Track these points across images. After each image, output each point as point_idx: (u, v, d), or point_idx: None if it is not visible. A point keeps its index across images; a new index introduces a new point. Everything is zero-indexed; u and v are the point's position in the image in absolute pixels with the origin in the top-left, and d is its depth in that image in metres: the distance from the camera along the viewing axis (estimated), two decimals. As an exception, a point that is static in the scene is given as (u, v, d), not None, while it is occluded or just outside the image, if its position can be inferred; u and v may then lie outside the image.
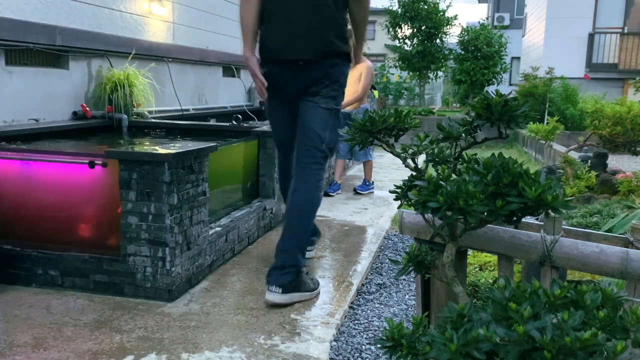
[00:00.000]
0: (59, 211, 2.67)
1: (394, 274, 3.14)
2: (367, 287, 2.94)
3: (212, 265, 2.89)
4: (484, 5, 30.40)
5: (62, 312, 2.35)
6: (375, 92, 8.55)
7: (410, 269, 1.59)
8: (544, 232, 1.58)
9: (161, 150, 2.54)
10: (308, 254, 3.08)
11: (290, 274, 2.52)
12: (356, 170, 5.49)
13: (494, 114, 1.47)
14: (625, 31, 15.18)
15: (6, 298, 2.48)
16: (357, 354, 2.19)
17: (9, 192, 2.70)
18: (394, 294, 2.87)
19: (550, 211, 1.22)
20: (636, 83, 7.53)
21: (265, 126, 4.01)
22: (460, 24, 17.07)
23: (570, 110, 10.96)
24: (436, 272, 1.71)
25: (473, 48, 15.07)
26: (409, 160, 1.55)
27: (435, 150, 1.52)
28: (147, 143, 3.39)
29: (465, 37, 15.19)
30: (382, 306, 2.70)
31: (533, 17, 18.11)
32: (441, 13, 15.49)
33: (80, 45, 3.76)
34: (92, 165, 2.54)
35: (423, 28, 15.47)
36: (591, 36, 15.27)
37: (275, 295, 2.48)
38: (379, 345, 1.21)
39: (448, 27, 15.61)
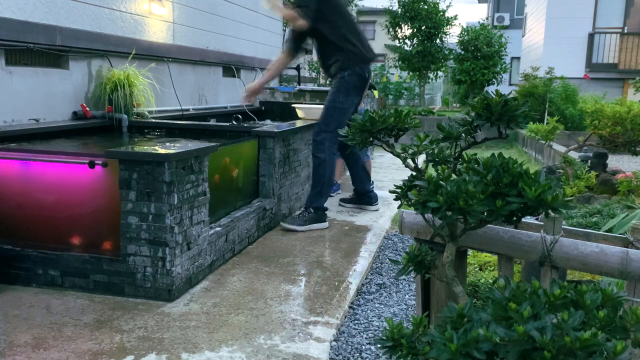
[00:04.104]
0: (59, 211, 2.67)
1: (394, 274, 3.14)
2: (367, 287, 2.94)
3: (212, 265, 2.89)
4: (484, 5, 30.41)
5: (62, 312, 2.36)
6: (375, 92, 8.55)
7: (410, 269, 1.59)
8: (544, 232, 1.58)
9: (161, 150, 2.54)
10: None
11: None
12: (356, 170, 5.53)
13: (494, 114, 1.47)
14: (625, 31, 15.19)
15: (6, 298, 2.48)
16: (357, 354, 2.19)
17: (9, 192, 2.70)
18: (394, 294, 2.87)
19: (550, 211, 1.22)
20: (636, 83, 7.53)
21: (265, 126, 4.01)
22: (460, 24, 17.06)
23: (570, 110, 10.96)
24: (436, 272, 1.71)
25: (473, 48, 15.06)
26: (409, 160, 1.55)
27: (435, 150, 1.52)
28: (147, 143, 3.39)
29: (465, 37, 15.18)
30: (382, 306, 2.70)
31: (533, 17, 18.12)
32: (441, 13, 15.48)
33: (80, 45, 3.76)
34: (92, 165, 2.55)
35: (423, 28, 15.46)
36: (591, 36, 15.27)
37: (378, 206, 4.55)
38: (379, 345, 1.21)
39: (448, 27, 15.60)
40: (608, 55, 15.12)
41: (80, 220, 2.66)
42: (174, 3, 5.00)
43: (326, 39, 3.96)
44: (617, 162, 7.45)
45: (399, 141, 1.59)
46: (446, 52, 15.73)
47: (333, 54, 3.97)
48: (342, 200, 4.65)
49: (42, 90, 3.50)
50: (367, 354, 2.20)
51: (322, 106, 5.17)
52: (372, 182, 5.34)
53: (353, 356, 2.18)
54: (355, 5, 17.99)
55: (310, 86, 10.38)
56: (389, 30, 16.36)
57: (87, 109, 3.77)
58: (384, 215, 4.34)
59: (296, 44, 4.12)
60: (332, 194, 4.99)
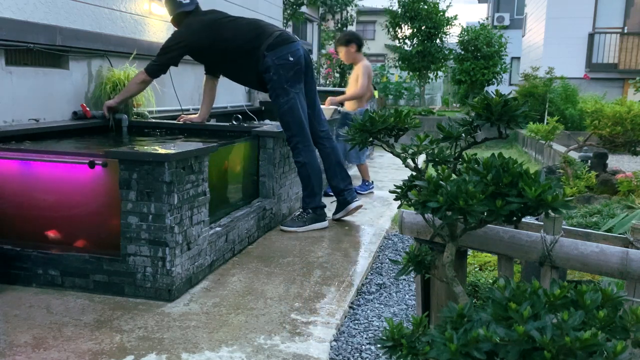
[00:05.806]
0: (59, 211, 2.67)
1: (394, 274, 3.14)
2: (367, 287, 2.94)
3: (212, 265, 2.89)
4: (484, 5, 30.41)
5: (62, 312, 2.35)
6: (375, 92, 8.55)
7: (410, 269, 1.59)
8: (544, 232, 1.58)
9: (161, 150, 2.54)
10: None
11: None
12: (356, 170, 5.51)
13: (494, 114, 1.47)
14: (625, 31, 15.20)
15: (6, 298, 2.48)
16: (357, 354, 2.19)
17: (9, 192, 2.70)
18: (394, 294, 2.87)
19: (550, 211, 1.22)
20: (636, 83, 7.53)
21: (265, 126, 4.01)
22: (460, 24, 17.06)
23: (570, 111, 10.96)
24: (436, 272, 1.71)
25: (473, 48, 15.06)
26: (409, 160, 1.55)
27: (435, 150, 1.53)
28: (147, 143, 3.39)
29: (465, 37, 15.19)
30: (382, 306, 2.70)
31: (533, 17, 18.12)
32: (441, 13, 15.48)
33: (80, 45, 3.76)
34: (92, 165, 2.55)
35: (423, 28, 15.46)
36: (591, 36, 15.27)
37: (359, 201, 4.12)
38: (379, 345, 1.21)
39: (448, 27, 15.61)
40: (608, 55, 15.13)
41: (81, 220, 2.66)
42: (174, 3, 4.99)
43: (230, 62, 3.77)
44: (617, 162, 7.45)
45: (399, 141, 1.59)
46: (446, 52, 15.73)
47: (246, 68, 3.75)
48: (333, 215, 4.10)
49: (42, 90, 3.50)
50: (367, 354, 2.20)
51: (323, 105, 5.18)
52: (372, 182, 5.35)
53: (353, 356, 2.18)
54: (355, 5, 18.01)
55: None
56: (389, 30, 16.37)
57: (87, 109, 3.77)
58: (384, 215, 4.34)
59: (208, 69, 3.99)
60: (331, 193, 4.99)
